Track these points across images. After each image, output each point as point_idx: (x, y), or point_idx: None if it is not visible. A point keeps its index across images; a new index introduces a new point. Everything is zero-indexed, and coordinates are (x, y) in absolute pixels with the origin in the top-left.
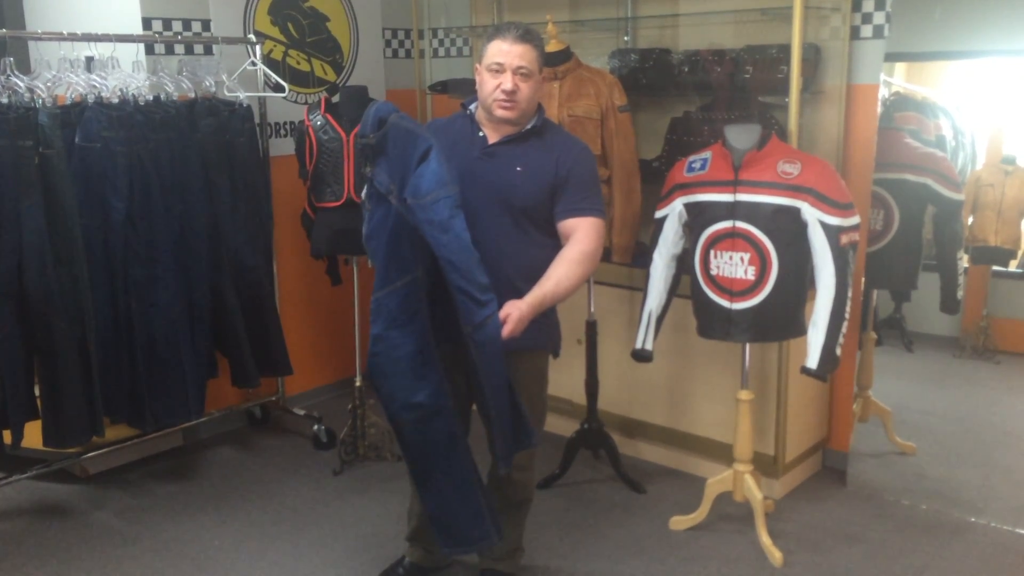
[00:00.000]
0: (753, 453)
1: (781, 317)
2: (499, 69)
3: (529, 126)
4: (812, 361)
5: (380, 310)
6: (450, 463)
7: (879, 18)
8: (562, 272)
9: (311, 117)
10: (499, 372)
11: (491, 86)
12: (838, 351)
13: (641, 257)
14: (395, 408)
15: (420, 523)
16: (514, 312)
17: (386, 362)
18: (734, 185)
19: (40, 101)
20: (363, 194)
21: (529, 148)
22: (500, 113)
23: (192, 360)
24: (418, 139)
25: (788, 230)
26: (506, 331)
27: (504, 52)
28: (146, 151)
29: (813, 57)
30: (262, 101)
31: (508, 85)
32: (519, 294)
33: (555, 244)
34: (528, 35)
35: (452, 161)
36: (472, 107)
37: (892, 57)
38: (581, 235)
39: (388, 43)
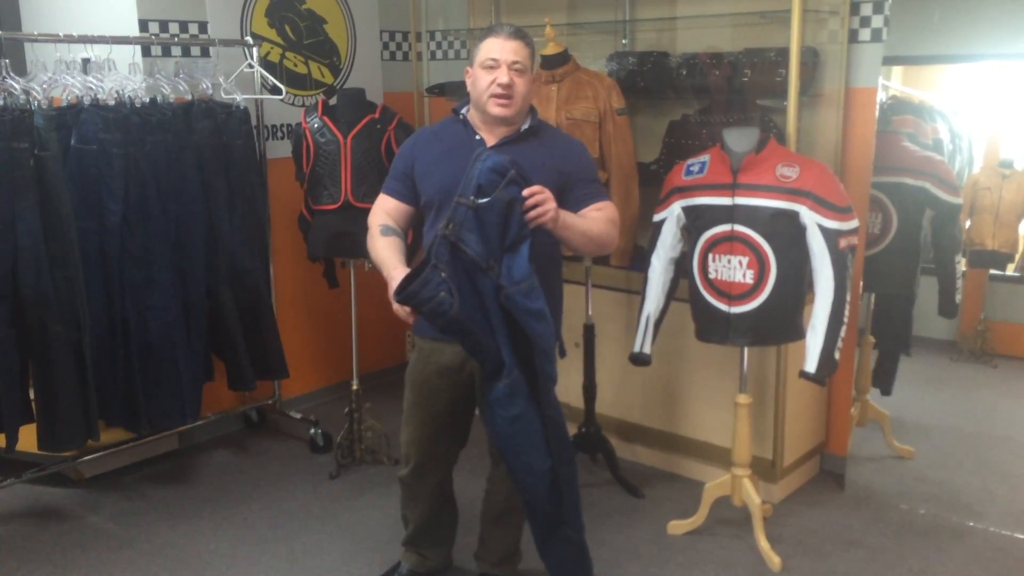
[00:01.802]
0: (751, 457)
1: (779, 321)
2: (494, 65)
3: (525, 127)
4: (811, 365)
5: (518, 390)
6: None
7: (877, 21)
8: (592, 223)
9: (308, 120)
10: (565, 436)
11: (486, 82)
12: (837, 355)
13: (639, 261)
14: (531, 480)
15: (416, 528)
16: (553, 203)
17: (523, 439)
18: (732, 188)
19: (36, 103)
20: (434, 255)
21: (528, 149)
22: (496, 110)
23: (188, 363)
24: (516, 216)
25: (787, 234)
26: (540, 211)
27: (499, 48)
28: (142, 153)
29: (811, 61)
30: (259, 103)
31: (504, 78)
32: None
33: (556, 241)
34: (520, 33)
35: (450, 167)
36: (463, 111)
37: (890, 60)
38: (607, 211)
39: (386, 45)
